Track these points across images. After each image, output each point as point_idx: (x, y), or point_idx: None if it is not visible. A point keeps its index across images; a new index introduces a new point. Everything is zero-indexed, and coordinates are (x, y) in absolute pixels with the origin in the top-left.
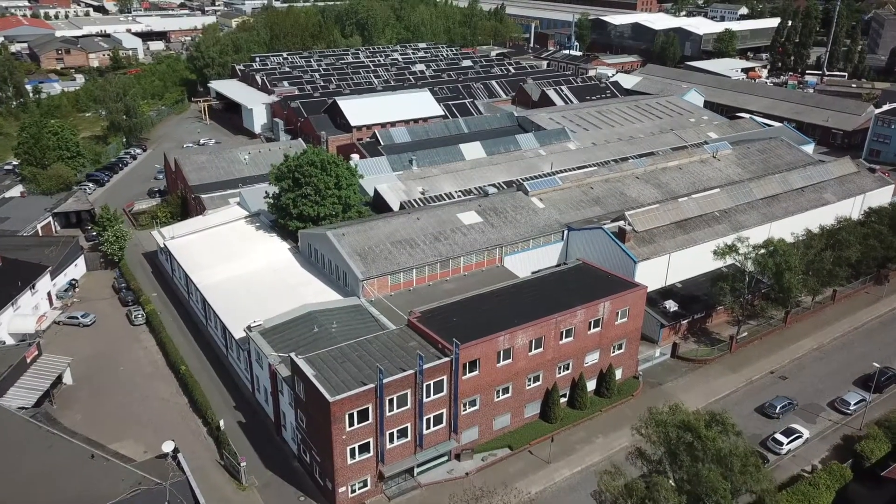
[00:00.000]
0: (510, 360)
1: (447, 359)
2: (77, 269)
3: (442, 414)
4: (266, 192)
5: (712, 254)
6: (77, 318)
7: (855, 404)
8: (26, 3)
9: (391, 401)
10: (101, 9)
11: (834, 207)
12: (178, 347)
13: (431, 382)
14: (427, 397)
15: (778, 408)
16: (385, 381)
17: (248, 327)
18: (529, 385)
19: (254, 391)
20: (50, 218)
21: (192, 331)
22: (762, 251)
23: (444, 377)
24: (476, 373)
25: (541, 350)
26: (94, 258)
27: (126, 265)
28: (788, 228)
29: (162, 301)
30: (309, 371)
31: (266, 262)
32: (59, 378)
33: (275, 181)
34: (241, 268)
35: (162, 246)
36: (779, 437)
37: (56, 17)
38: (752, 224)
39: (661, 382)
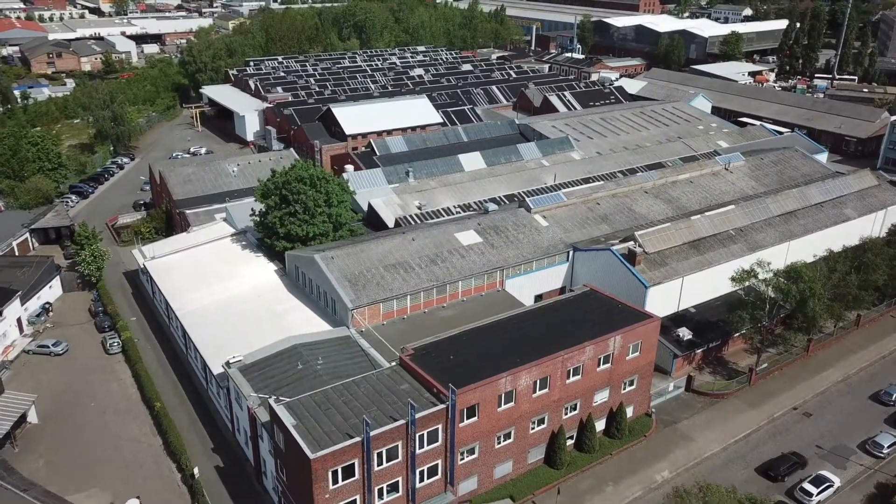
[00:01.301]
0: (513, 404)
1: (442, 406)
2: (52, 290)
3: (437, 465)
4: (252, 210)
5: (730, 280)
6: (48, 346)
7: (889, 447)
8: (20, 5)
9: (380, 454)
10: (96, 11)
11: (855, 224)
12: (155, 380)
13: (425, 432)
14: (420, 448)
15: (894, 396)
16: (372, 433)
17: (227, 363)
18: (533, 428)
19: (234, 431)
20: (27, 234)
21: (172, 360)
22: (783, 277)
23: (440, 426)
24: (475, 419)
25: (546, 391)
26: (70, 278)
27: (104, 286)
28: (807, 247)
29: (141, 326)
30: (289, 420)
31: (251, 285)
32: (24, 416)
33: (261, 198)
34: (225, 292)
35: (142, 266)
36: (807, 486)
37: (50, 19)
38: (769, 243)
39: (675, 420)
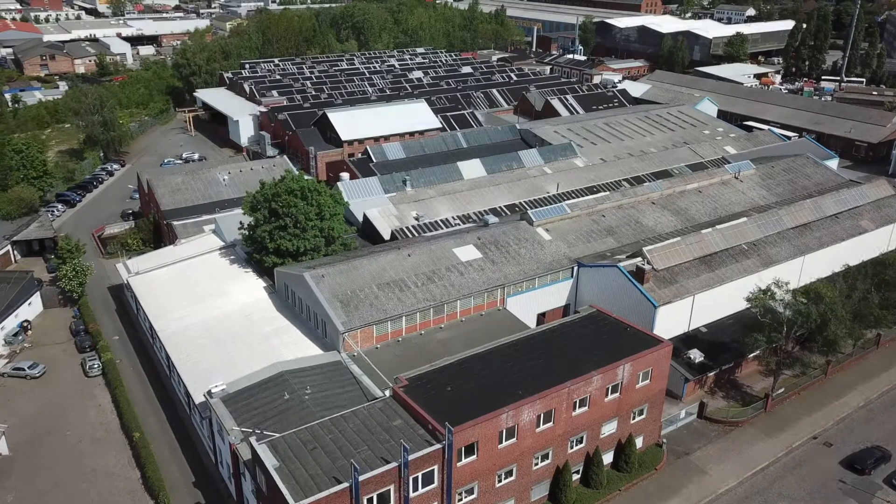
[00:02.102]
0: (514, 440)
1: (438, 446)
2: (32, 307)
3: None
4: (241, 223)
5: (746, 301)
6: (24, 369)
7: None
8: (16, 6)
9: (370, 500)
10: (93, 12)
11: (871, 236)
12: (136, 405)
13: (420, 474)
14: (414, 492)
15: None
16: (361, 478)
17: (209, 392)
18: (537, 465)
19: (217, 464)
20: (8, 247)
21: (154, 384)
22: (803, 300)
23: (435, 467)
24: (474, 457)
25: (550, 424)
26: (51, 293)
27: (87, 303)
28: (823, 261)
29: (124, 345)
30: (271, 462)
31: (238, 304)
32: None
33: (249, 211)
34: (211, 311)
35: (126, 281)
36: None
37: (46, 20)
38: (783, 258)
39: (687, 451)
